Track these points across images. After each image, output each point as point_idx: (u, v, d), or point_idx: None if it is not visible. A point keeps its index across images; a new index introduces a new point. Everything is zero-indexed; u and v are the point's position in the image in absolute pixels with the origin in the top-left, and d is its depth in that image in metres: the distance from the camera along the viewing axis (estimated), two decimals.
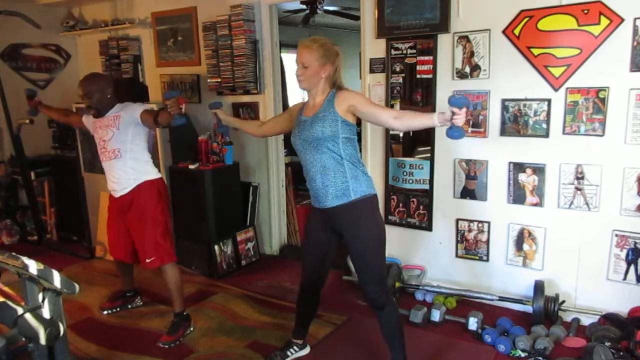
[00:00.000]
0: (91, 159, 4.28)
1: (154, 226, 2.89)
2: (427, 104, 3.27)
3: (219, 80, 4.17)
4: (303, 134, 2.27)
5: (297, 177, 4.55)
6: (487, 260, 3.26)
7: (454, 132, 1.97)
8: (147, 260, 2.91)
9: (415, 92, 3.33)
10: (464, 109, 1.92)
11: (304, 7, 6.04)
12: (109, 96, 2.93)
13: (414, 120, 2.17)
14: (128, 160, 2.87)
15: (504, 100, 3.01)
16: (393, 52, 3.35)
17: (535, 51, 2.87)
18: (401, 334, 2.39)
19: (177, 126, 2.72)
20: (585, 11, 2.70)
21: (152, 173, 2.95)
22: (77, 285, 1.86)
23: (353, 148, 2.26)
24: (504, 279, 3.21)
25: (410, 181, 3.44)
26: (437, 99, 3.22)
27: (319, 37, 2.28)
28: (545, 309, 2.91)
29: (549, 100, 2.89)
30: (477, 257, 3.29)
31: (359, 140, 2.69)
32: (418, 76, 3.29)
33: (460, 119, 1.93)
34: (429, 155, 3.34)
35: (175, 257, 3.00)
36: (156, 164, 3.04)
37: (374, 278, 2.29)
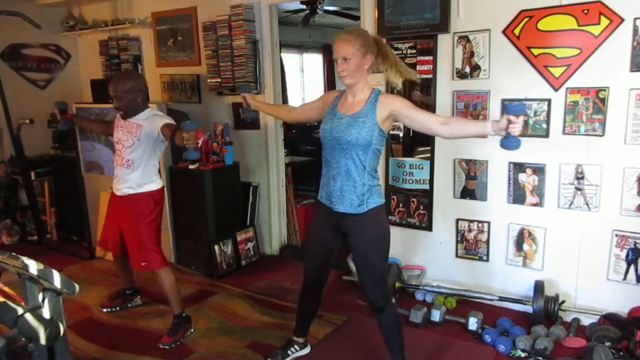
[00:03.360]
0: (91, 159, 4.28)
1: (147, 232, 2.88)
2: (427, 105, 3.27)
3: (219, 80, 4.18)
4: (335, 131, 2.18)
5: (297, 177, 4.55)
6: (487, 260, 3.26)
7: (510, 142, 1.86)
8: (143, 264, 2.91)
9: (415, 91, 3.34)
10: (521, 117, 1.84)
11: (304, 7, 6.05)
12: (139, 100, 2.81)
13: (464, 128, 2.08)
14: (136, 174, 2.85)
15: (504, 100, 3.01)
16: (393, 52, 3.35)
17: (535, 51, 2.87)
18: (400, 336, 2.38)
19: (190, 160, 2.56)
20: (585, 11, 2.70)
21: (153, 184, 2.92)
22: (77, 285, 1.87)
23: (377, 160, 2.22)
24: (504, 279, 3.21)
25: (410, 181, 3.44)
26: (437, 99, 3.23)
27: (353, 28, 2.24)
28: (545, 309, 2.91)
29: (549, 100, 2.89)
30: (477, 257, 3.29)
31: None
32: (418, 76, 3.28)
33: (517, 127, 1.85)
34: (429, 155, 3.34)
35: (166, 264, 2.96)
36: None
37: (375, 279, 2.28)
